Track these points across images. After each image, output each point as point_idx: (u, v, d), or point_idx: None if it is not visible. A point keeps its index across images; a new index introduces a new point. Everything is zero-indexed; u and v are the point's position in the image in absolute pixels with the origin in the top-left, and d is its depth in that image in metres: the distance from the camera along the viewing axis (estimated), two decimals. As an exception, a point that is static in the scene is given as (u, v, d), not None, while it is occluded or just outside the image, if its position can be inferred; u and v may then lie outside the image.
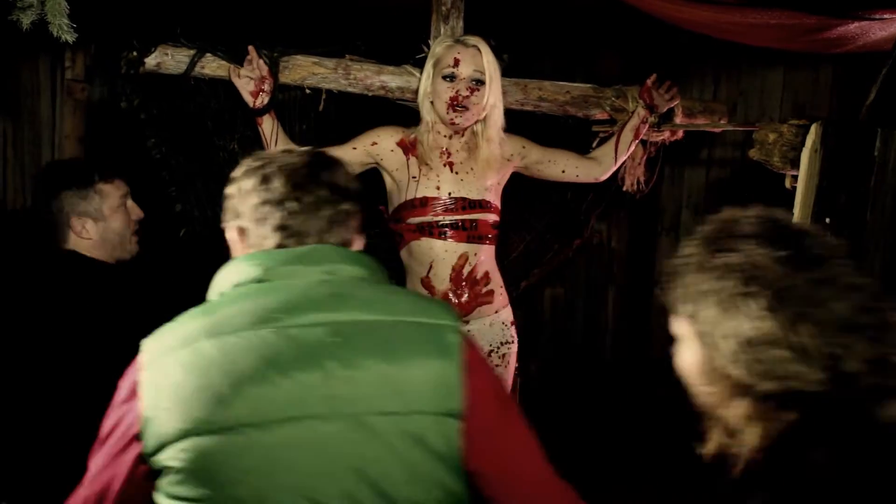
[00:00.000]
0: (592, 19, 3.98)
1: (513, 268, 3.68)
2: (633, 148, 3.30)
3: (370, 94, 3.15)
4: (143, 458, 1.48)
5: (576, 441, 4.46)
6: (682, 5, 2.96)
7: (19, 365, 2.37)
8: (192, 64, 2.97)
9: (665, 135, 3.39)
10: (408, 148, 2.98)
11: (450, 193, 2.95)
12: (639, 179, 3.45)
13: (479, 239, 2.97)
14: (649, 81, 3.24)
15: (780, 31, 3.01)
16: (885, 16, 2.77)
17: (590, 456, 4.40)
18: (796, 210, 2.68)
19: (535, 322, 4.62)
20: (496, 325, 3.08)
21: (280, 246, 1.60)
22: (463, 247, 2.95)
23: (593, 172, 3.24)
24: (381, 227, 3.22)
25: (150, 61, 2.96)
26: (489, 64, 2.85)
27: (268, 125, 2.91)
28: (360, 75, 3.12)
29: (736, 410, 1.31)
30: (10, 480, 2.31)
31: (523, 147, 3.09)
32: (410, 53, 3.08)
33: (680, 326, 1.39)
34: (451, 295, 2.97)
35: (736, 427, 1.32)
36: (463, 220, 2.95)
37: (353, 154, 2.96)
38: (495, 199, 3.04)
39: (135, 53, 2.96)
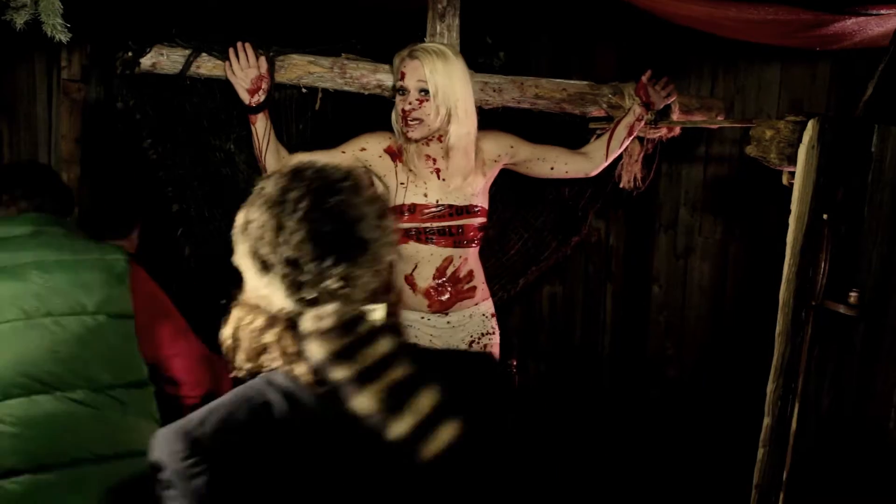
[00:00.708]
0: (589, 16, 3.98)
1: (511, 266, 3.68)
2: (626, 145, 3.30)
3: (366, 92, 3.15)
4: None
5: (574, 438, 4.46)
6: (678, 1, 2.96)
7: None
8: (188, 64, 2.96)
9: (662, 132, 3.39)
10: (395, 154, 3.00)
11: (437, 201, 2.97)
12: (636, 176, 3.45)
13: (464, 243, 2.99)
14: (644, 78, 3.25)
15: (778, 27, 3.01)
16: (883, 11, 2.76)
17: (587, 452, 4.40)
18: (794, 206, 2.67)
19: (533, 319, 4.62)
20: (476, 316, 3.10)
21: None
22: (448, 251, 2.98)
23: (583, 168, 3.25)
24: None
25: (146, 61, 2.95)
26: (432, 73, 2.84)
27: (261, 124, 2.91)
28: (357, 74, 3.12)
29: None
30: None
31: (511, 146, 3.09)
32: (395, 55, 3.07)
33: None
34: (432, 292, 3.00)
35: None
36: (449, 227, 2.97)
37: (343, 158, 2.98)
38: (483, 201, 3.05)
39: (130, 54, 2.96)
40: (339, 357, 1.35)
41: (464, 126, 2.91)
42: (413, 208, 2.95)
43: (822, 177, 2.59)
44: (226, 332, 1.49)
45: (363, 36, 3.25)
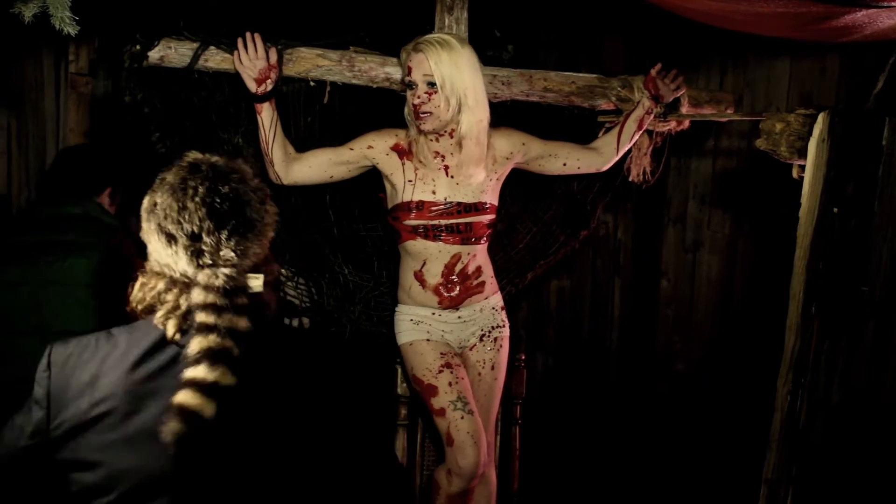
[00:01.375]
0: (598, 9, 3.96)
1: (519, 259, 3.67)
2: (636, 138, 3.29)
3: (374, 86, 3.14)
4: None
5: (581, 431, 4.46)
6: (688, -6, 2.95)
7: None
8: (196, 57, 2.96)
9: (671, 125, 3.38)
10: (403, 152, 2.98)
11: (446, 198, 2.95)
12: (645, 170, 3.44)
13: (473, 240, 2.99)
14: (653, 71, 3.23)
15: (788, 20, 2.99)
16: (894, 3, 2.74)
17: (595, 446, 4.40)
18: (804, 200, 2.66)
19: (541, 313, 4.61)
20: (486, 310, 3.10)
21: None
22: (457, 248, 2.97)
23: (595, 163, 3.24)
24: (379, 217, 3.24)
25: (154, 55, 2.95)
26: (437, 65, 2.82)
27: (267, 114, 2.90)
28: (365, 67, 3.11)
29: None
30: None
31: (523, 144, 3.08)
32: (400, 49, 3.06)
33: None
34: (442, 289, 3.00)
35: None
36: (458, 224, 2.96)
37: (350, 155, 2.98)
38: (492, 198, 3.04)
39: (138, 47, 2.96)
40: (208, 308, 1.64)
41: (474, 114, 2.89)
42: (421, 205, 2.94)
43: (833, 170, 2.58)
44: (134, 295, 1.78)
45: (372, 29, 3.25)
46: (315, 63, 3.06)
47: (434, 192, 2.95)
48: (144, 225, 1.76)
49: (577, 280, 4.55)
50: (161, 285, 1.74)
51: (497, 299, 3.16)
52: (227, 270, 1.67)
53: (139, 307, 1.76)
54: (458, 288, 3.02)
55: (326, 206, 3.50)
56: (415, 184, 2.95)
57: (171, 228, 1.69)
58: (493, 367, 3.10)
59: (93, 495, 1.63)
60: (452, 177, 2.96)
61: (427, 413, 3.04)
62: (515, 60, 3.41)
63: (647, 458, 4.26)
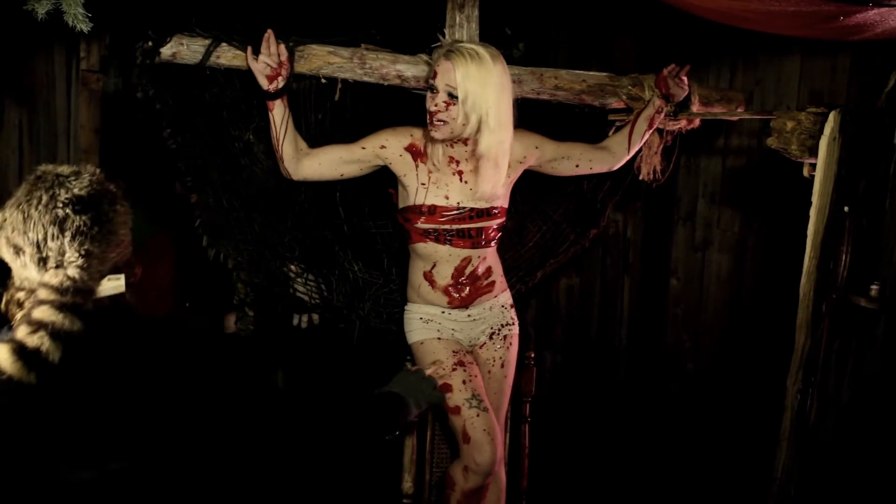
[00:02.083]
0: (609, 8, 3.96)
1: (529, 258, 3.67)
2: (647, 137, 3.29)
3: (385, 83, 3.14)
4: None
5: (590, 430, 4.46)
6: (699, -7, 2.94)
7: None
8: (208, 54, 2.96)
9: (681, 123, 3.38)
10: (418, 153, 2.95)
11: (458, 203, 2.94)
12: (655, 169, 3.44)
13: (483, 244, 2.98)
14: (666, 71, 3.23)
15: (799, 18, 2.99)
16: (905, 2, 2.74)
17: (605, 445, 4.40)
18: (814, 198, 2.66)
19: (550, 312, 4.61)
20: (496, 308, 3.11)
21: None
22: (466, 251, 2.97)
23: (607, 163, 3.24)
24: (389, 214, 3.24)
25: (166, 51, 2.95)
26: (464, 79, 2.73)
27: (278, 112, 2.89)
28: (376, 65, 3.11)
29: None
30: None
31: (536, 147, 3.08)
32: (426, 42, 3.06)
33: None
34: (451, 290, 3.00)
35: None
36: (469, 229, 2.95)
37: (362, 153, 2.95)
38: (504, 201, 3.03)
39: (150, 43, 2.96)
40: (44, 304, 1.71)
41: (495, 135, 2.81)
42: (433, 209, 2.93)
43: (844, 169, 2.58)
44: (2, 310, 1.87)
45: (383, 26, 3.24)
46: (326, 60, 3.06)
47: (447, 197, 2.94)
48: None
49: (586, 278, 4.55)
50: (21, 296, 1.83)
51: (506, 297, 3.16)
52: (70, 272, 1.74)
53: (13, 322, 1.83)
54: (467, 289, 3.02)
55: (336, 202, 3.50)
56: (428, 187, 2.94)
57: (19, 240, 1.77)
58: (502, 365, 3.10)
59: None
60: (466, 182, 2.94)
61: (438, 410, 3.05)
62: (526, 58, 3.41)
63: (656, 457, 4.26)
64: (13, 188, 1.85)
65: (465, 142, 2.90)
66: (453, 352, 2.98)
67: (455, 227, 2.94)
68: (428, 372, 2.51)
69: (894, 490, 2.56)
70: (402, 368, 2.47)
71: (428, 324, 3.03)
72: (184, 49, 2.97)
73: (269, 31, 2.86)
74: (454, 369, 2.93)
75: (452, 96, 2.76)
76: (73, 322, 1.71)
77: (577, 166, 3.17)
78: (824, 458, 2.68)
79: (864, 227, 2.60)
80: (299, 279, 3.45)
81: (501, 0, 3.26)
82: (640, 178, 3.46)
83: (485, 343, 3.09)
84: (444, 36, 3.07)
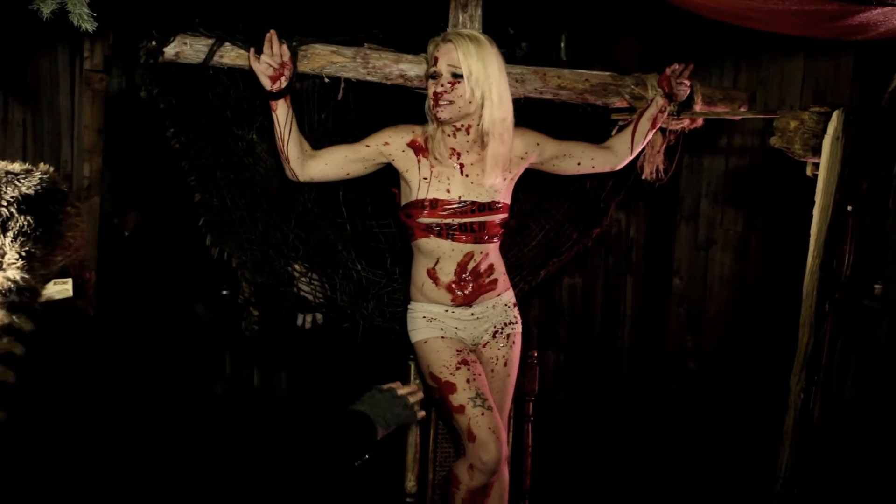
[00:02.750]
0: (611, 7, 3.96)
1: (532, 257, 3.67)
2: (649, 137, 3.28)
3: (388, 82, 3.14)
4: None
5: (593, 429, 4.46)
6: (702, -8, 2.95)
7: None
8: (211, 53, 2.96)
9: (684, 123, 3.37)
10: (419, 149, 2.97)
11: (460, 197, 2.95)
12: (658, 168, 3.43)
13: (485, 239, 2.98)
14: (668, 71, 3.23)
15: (802, 17, 2.99)
16: (909, 1, 2.74)
17: (607, 443, 4.40)
18: (818, 198, 2.66)
19: (553, 310, 4.61)
20: (499, 307, 3.10)
21: None
22: (469, 246, 2.97)
23: (609, 162, 3.24)
24: (393, 213, 3.25)
25: (169, 51, 2.96)
26: (466, 56, 2.81)
27: (282, 111, 2.89)
28: (379, 64, 3.12)
29: None
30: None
31: (538, 144, 3.08)
32: (429, 41, 3.06)
33: None
34: (454, 287, 3.00)
35: None
36: (471, 223, 2.96)
37: (366, 152, 2.97)
38: (506, 197, 3.03)
39: (153, 43, 2.96)
40: None
41: (498, 111, 2.87)
42: (435, 203, 2.94)
43: (847, 168, 2.58)
44: None
45: (386, 26, 3.25)
46: (329, 60, 3.07)
47: (448, 191, 2.95)
48: None
49: (589, 278, 4.56)
50: None
51: (509, 296, 3.16)
52: (10, 273, 1.69)
53: None
54: (470, 286, 3.02)
55: (340, 202, 3.50)
56: (430, 181, 2.95)
57: None
58: (505, 364, 3.11)
59: None
60: (467, 175, 2.96)
61: (441, 409, 3.05)
62: (529, 58, 3.41)
63: (658, 455, 4.26)
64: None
65: (467, 130, 2.92)
66: (457, 350, 2.98)
67: (457, 220, 2.95)
68: (401, 391, 2.36)
69: (897, 489, 2.56)
70: (371, 387, 2.38)
71: (431, 322, 3.03)
72: (187, 49, 2.97)
73: (272, 30, 2.86)
74: (458, 368, 2.93)
75: (456, 76, 2.83)
76: (26, 322, 1.66)
77: (578, 164, 3.17)
78: (828, 456, 2.68)
79: (868, 227, 2.60)
80: (303, 278, 3.45)
81: (504, 0, 3.26)
82: (643, 177, 3.46)
83: (488, 342, 3.09)
84: (447, 35, 3.07)
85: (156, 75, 3.06)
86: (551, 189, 3.62)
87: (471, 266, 2.99)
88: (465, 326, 3.04)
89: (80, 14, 2.28)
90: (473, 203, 2.95)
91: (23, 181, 1.75)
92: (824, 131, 2.64)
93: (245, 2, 3.30)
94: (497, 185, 2.98)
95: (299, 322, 3.48)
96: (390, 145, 2.97)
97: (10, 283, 1.67)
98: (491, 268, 3.05)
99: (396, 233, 3.51)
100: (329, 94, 3.23)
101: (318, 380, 4.15)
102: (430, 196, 2.94)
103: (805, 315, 2.70)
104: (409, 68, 3.11)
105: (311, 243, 3.45)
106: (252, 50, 2.86)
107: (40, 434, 1.67)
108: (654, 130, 3.29)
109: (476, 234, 2.96)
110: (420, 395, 2.43)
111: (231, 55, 2.98)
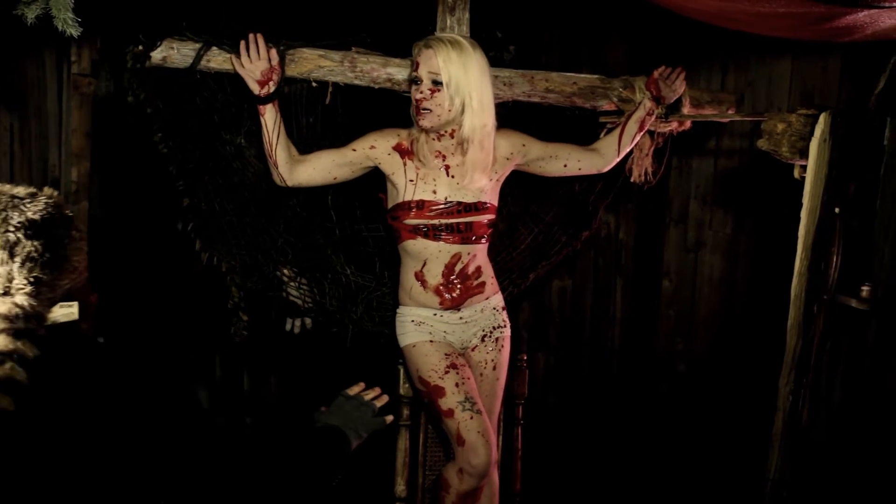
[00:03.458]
0: (599, 10, 3.97)
1: (521, 260, 3.67)
2: (637, 139, 3.29)
3: (376, 86, 3.14)
4: None
5: (583, 431, 4.47)
6: (689, -5, 2.95)
7: None
8: (198, 57, 2.96)
9: (673, 125, 3.38)
10: (405, 152, 2.98)
11: (446, 198, 2.95)
12: (647, 170, 3.44)
13: (473, 240, 2.98)
14: (656, 73, 3.24)
15: (789, 20, 3.00)
16: (895, 3, 2.75)
17: (597, 446, 4.40)
18: (805, 200, 2.67)
19: (543, 314, 4.61)
20: (487, 310, 3.10)
21: None
22: (456, 247, 2.97)
23: (596, 164, 3.24)
24: (381, 217, 3.24)
25: (156, 55, 2.96)
26: (446, 63, 2.81)
27: (270, 116, 2.90)
28: (367, 68, 3.12)
29: None
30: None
31: (523, 145, 3.08)
32: (413, 45, 3.07)
33: None
34: (442, 289, 3.00)
35: None
36: (458, 224, 2.96)
37: (353, 156, 2.98)
38: (492, 198, 3.04)
39: (140, 47, 2.96)
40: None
41: (478, 118, 2.87)
42: (421, 204, 2.94)
43: (835, 170, 2.59)
44: None
45: (373, 30, 3.25)
46: (317, 64, 3.06)
47: (434, 192, 2.95)
48: None
49: (578, 280, 4.56)
50: None
51: (498, 299, 3.16)
52: (18, 299, 1.68)
53: None
54: (458, 289, 3.02)
55: (328, 206, 3.50)
56: (416, 183, 2.96)
57: None
58: (494, 368, 3.10)
59: None
60: (453, 177, 2.96)
61: (431, 413, 3.04)
62: (517, 61, 3.42)
63: (649, 458, 4.26)
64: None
65: (451, 134, 2.92)
66: (445, 354, 2.98)
67: (444, 221, 2.95)
68: (368, 397, 2.37)
69: (886, 488, 2.57)
70: (338, 395, 2.37)
71: (420, 326, 3.03)
72: (174, 53, 2.97)
73: (258, 34, 2.86)
74: (447, 372, 2.93)
75: (436, 83, 2.83)
76: (30, 348, 1.65)
77: (565, 166, 3.17)
78: (817, 458, 2.69)
79: (855, 229, 2.61)
80: (292, 283, 3.45)
81: (492, 3, 3.27)
82: (632, 180, 3.46)
83: (477, 345, 3.09)
84: (434, 39, 3.07)
85: (143, 80, 3.06)
86: (540, 192, 3.62)
87: (458, 267, 2.99)
88: (453, 330, 3.04)
89: (64, 19, 2.27)
90: (460, 203, 2.95)
91: (28, 206, 1.74)
92: (811, 134, 2.64)
93: (232, 6, 3.29)
94: (483, 186, 2.98)
95: (288, 327, 3.48)
96: (376, 149, 2.97)
97: (17, 308, 1.67)
98: (479, 270, 3.05)
99: (385, 237, 3.51)
100: (317, 98, 3.23)
101: (307, 384, 4.14)
102: (417, 197, 2.94)
103: (793, 317, 2.70)
104: (396, 72, 3.12)
105: (300, 248, 3.45)
106: (236, 54, 2.86)
107: (43, 459, 1.66)
108: (642, 133, 3.29)
109: (463, 234, 2.96)
110: (385, 398, 2.43)
111: (218, 59, 2.98)
